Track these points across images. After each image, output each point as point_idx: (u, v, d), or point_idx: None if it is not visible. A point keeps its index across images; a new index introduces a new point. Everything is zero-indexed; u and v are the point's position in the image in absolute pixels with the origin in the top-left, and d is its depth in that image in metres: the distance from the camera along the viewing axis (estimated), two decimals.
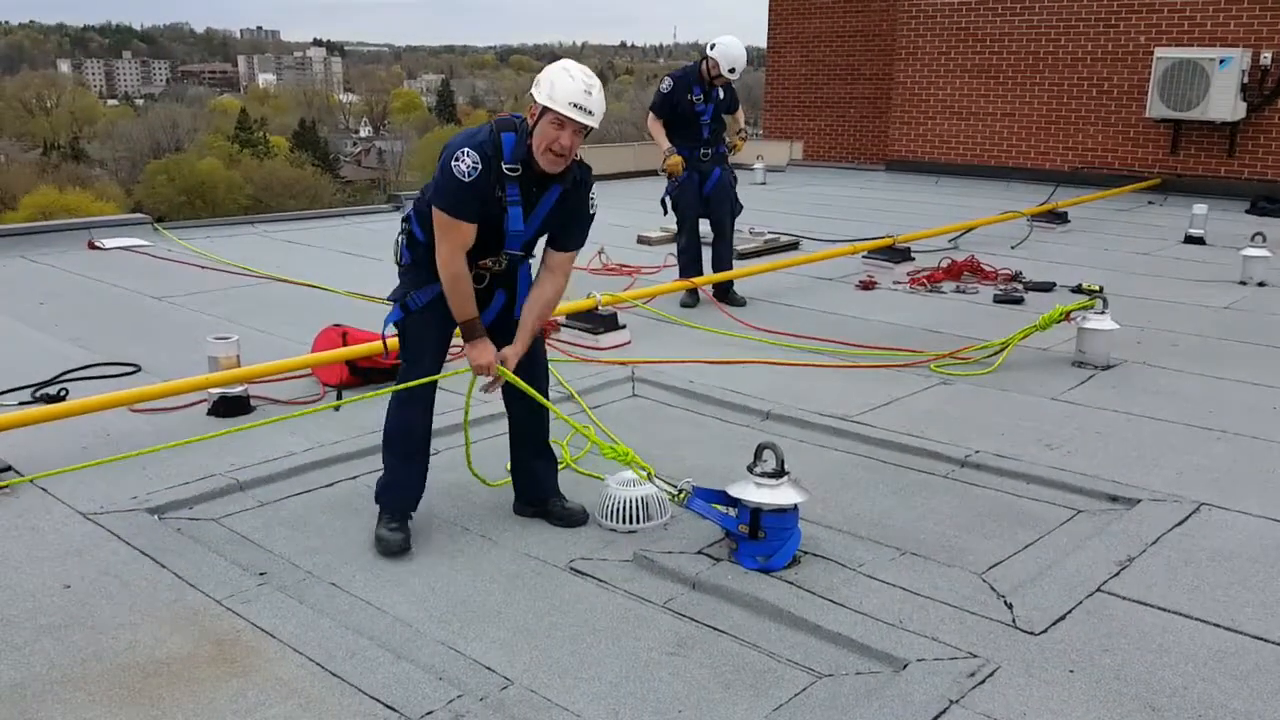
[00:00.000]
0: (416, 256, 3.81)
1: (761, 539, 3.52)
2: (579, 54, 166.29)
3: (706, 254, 7.94)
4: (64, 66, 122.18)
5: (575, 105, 3.53)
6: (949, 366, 6.07)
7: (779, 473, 3.56)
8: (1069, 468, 4.54)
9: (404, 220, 3.87)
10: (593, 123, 3.58)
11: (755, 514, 3.52)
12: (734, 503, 3.62)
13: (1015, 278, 8.49)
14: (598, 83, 3.63)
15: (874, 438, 4.92)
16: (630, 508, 3.92)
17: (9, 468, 4.28)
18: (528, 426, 4.09)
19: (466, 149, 3.57)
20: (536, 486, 4.11)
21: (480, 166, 3.55)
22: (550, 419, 4.09)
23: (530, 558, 3.74)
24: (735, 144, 7.96)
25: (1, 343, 6.45)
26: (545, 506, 4.08)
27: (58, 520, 3.94)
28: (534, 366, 3.99)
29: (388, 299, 4.00)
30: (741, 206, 10.56)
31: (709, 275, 7.81)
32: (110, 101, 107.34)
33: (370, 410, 5.13)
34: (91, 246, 9.57)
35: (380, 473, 3.98)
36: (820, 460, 4.72)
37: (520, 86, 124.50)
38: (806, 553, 3.67)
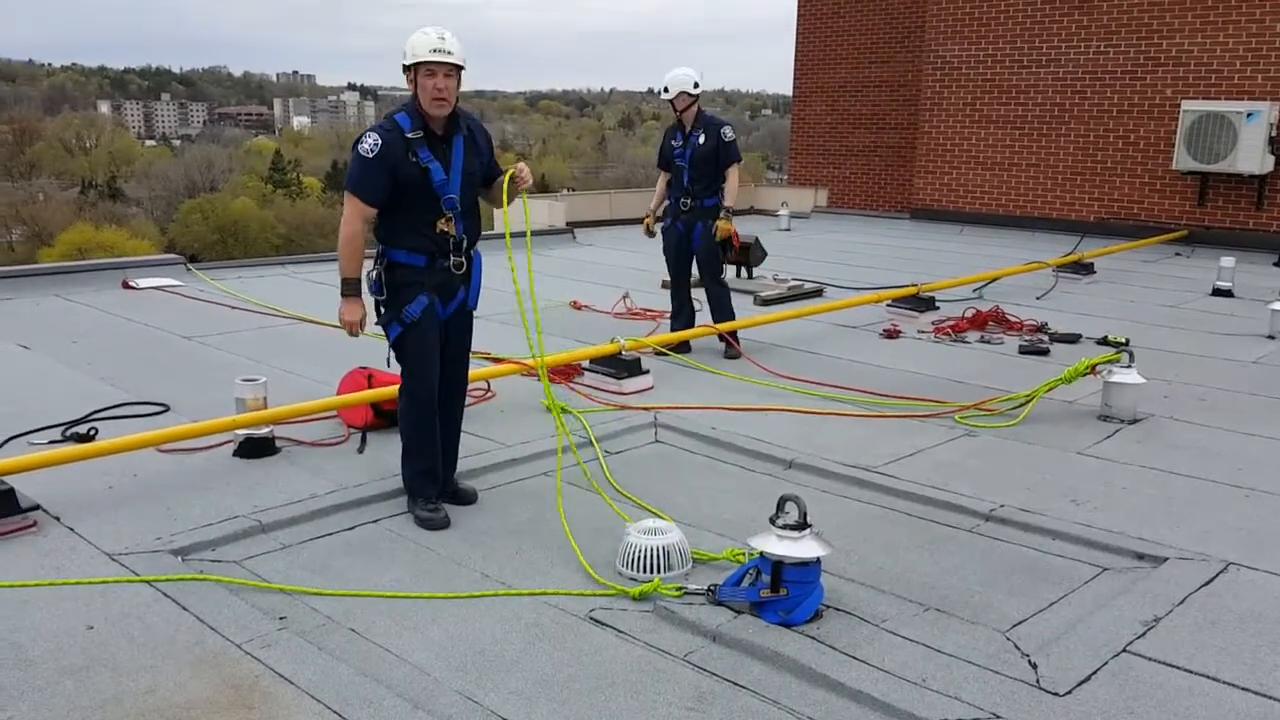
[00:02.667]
0: (392, 280, 4.34)
1: (783, 594, 3.50)
2: (606, 99, 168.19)
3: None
4: (104, 108, 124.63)
5: (434, 50, 4.15)
6: (973, 418, 6.04)
7: (801, 525, 3.54)
8: (1095, 524, 4.50)
9: (376, 261, 4.40)
10: (455, 59, 4.18)
11: (777, 567, 3.50)
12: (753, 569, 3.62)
13: (1041, 329, 8.46)
14: (449, 31, 4.21)
15: (897, 489, 4.90)
16: (651, 557, 3.91)
17: (37, 506, 4.33)
18: (445, 400, 4.60)
19: (366, 133, 4.24)
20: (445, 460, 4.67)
21: (381, 141, 4.17)
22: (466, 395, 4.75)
23: (550, 606, 3.73)
24: (717, 225, 7.36)
25: (36, 380, 6.55)
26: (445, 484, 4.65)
27: (83, 560, 3.98)
28: (467, 343, 4.62)
29: (377, 324, 4.49)
30: (765, 253, 10.63)
31: (718, 325, 7.59)
32: (148, 142, 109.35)
33: (393, 454, 5.15)
34: (126, 286, 9.73)
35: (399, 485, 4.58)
36: (843, 511, 4.69)
37: (548, 130, 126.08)
38: (829, 607, 3.65)
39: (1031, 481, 5.04)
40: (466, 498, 4.70)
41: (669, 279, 7.85)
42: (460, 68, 4.24)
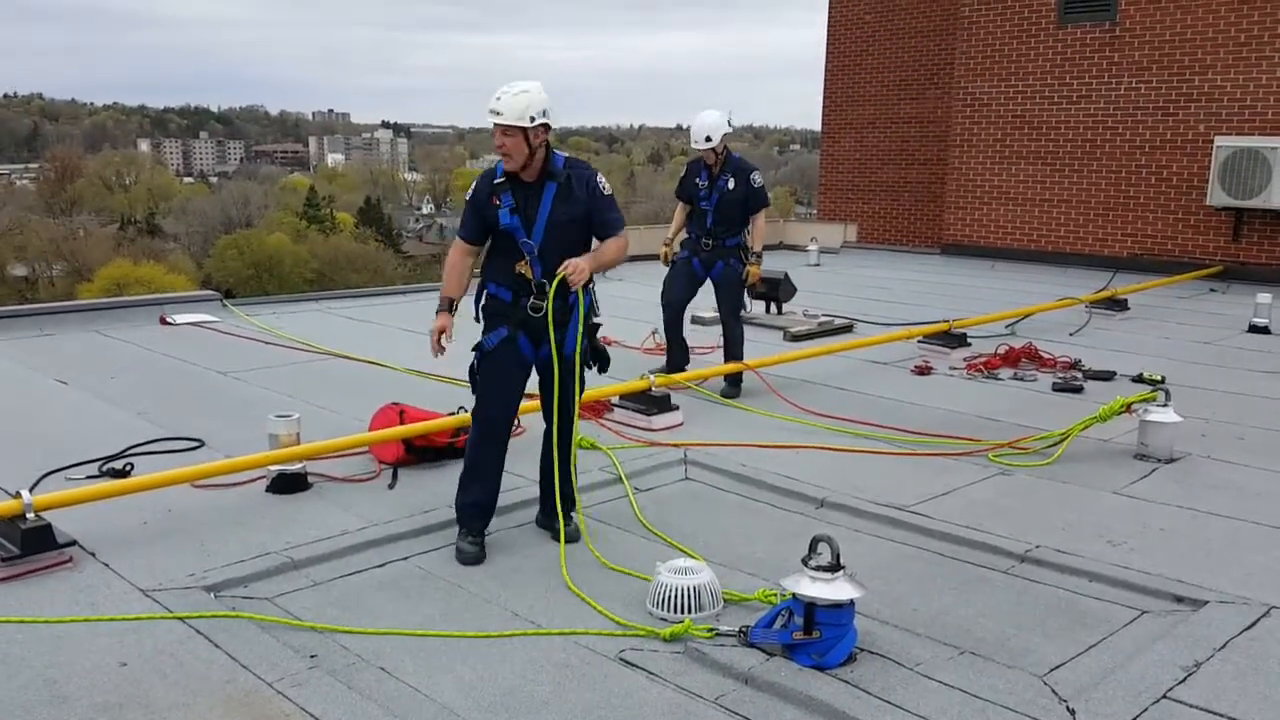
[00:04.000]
0: (483, 308, 4.63)
1: (817, 636, 3.46)
2: (636, 135, 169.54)
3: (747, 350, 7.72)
4: (144, 146, 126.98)
5: (490, 111, 4.40)
6: (1007, 456, 5.98)
7: (834, 566, 3.51)
8: (1132, 565, 4.42)
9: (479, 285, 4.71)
10: (504, 120, 4.35)
11: (810, 609, 3.47)
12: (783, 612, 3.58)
13: (1074, 366, 8.37)
14: (512, 89, 4.39)
15: (931, 529, 4.84)
16: (681, 597, 3.88)
17: (74, 541, 4.37)
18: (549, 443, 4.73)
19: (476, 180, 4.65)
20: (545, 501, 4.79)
21: (475, 186, 4.61)
22: (569, 442, 4.72)
23: (580, 646, 3.71)
24: (748, 271, 7.40)
25: (74, 416, 6.64)
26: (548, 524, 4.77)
27: (117, 596, 4.01)
28: (563, 388, 4.62)
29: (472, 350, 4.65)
30: (795, 289, 10.62)
31: (749, 361, 7.52)
32: (186, 179, 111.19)
33: (424, 490, 5.19)
34: (163, 322, 9.86)
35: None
36: (875, 551, 4.65)
37: None
38: (862, 650, 3.60)
39: (1067, 522, 4.98)
40: (565, 538, 4.61)
41: (668, 308, 7.67)
42: (518, 127, 4.35)
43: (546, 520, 4.79)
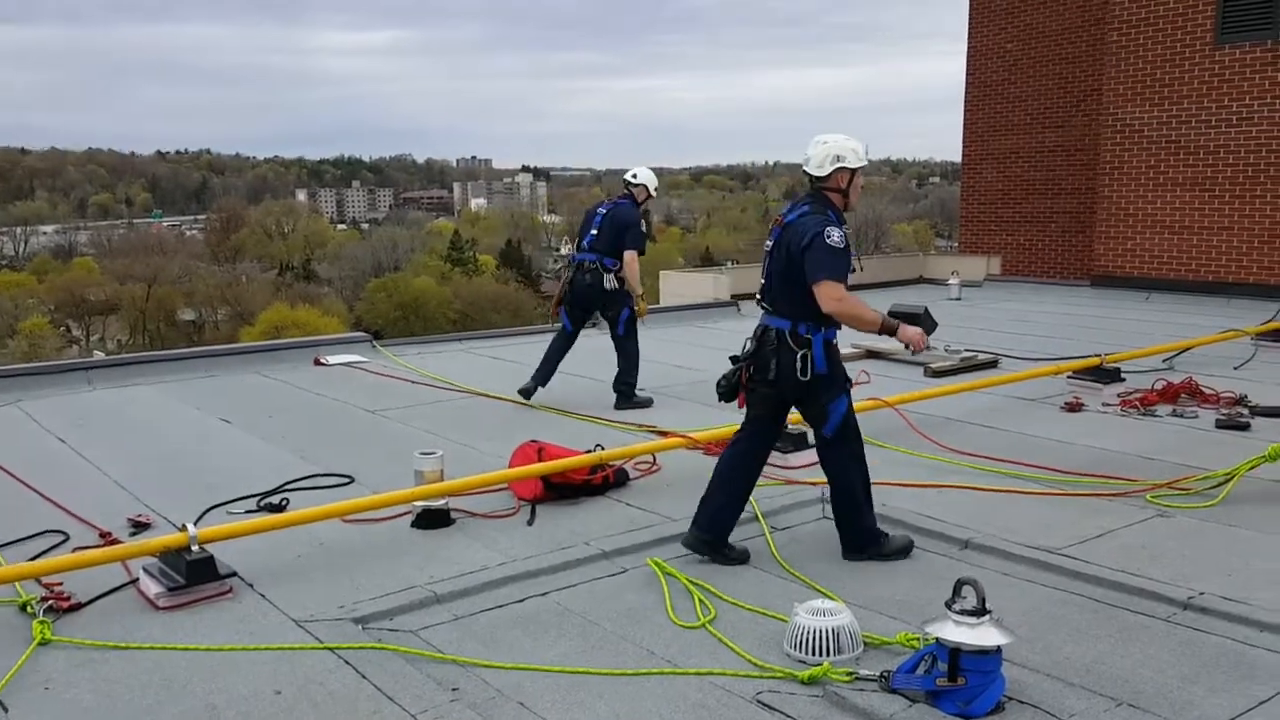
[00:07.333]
0: (830, 354, 4.77)
1: (961, 683, 3.34)
2: (770, 172, 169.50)
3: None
4: (301, 195, 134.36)
5: (865, 158, 4.86)
6: (1167, 497, 5.66)
7: (980, 611, 3.39)
8: None
9: (806, 346, 4.71)
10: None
11: (954, 655, 3.35)
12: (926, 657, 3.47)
13: (1239, 401, 7.89)
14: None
15: (1084, 573, 4.62)
16: (820, 639, 3.80)
17: (234, 573, 4.60)
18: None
19: (829, 227, 4.67)
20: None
21: (844, 234, 4.72)
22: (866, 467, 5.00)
23: (716, 687, 3.68)
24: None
25: (235, 453, 7.01)
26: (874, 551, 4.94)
27: (273, 625, 4.19)
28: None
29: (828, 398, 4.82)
30: (936, 323, 10.38)
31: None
32: (340, 226, 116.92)
33: (561, 527, 5.26)
34: (317, 363, 10.34)
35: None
36: (1024, 596, 4.46)
37: (712, 204, 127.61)
38: (1011, 699, 3.45)
39: (1234, 567, 4.67)
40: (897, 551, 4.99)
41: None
42: None
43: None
